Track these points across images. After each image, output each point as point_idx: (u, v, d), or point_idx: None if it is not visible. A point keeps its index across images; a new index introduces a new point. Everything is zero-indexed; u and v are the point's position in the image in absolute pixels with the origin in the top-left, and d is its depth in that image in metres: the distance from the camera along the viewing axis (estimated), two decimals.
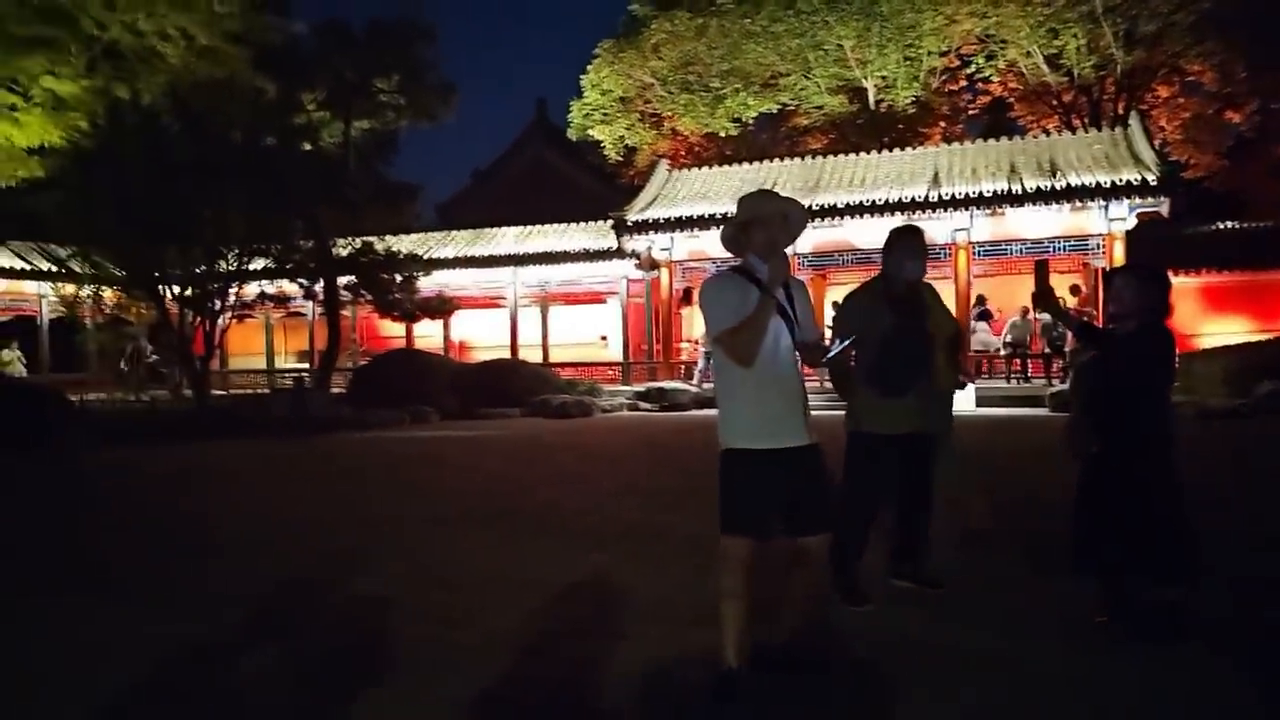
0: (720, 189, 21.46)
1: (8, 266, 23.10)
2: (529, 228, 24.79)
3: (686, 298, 21.88)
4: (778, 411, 3.02)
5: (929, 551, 4.36)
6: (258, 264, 18.12)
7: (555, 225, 24.55)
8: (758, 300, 2.95)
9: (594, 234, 23.29)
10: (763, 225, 3.07)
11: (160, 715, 3.13)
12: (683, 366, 21.35)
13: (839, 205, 19.12)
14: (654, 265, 21.80)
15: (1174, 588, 3.49)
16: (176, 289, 17.42)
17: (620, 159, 31.17)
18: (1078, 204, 17.69)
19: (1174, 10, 21.48)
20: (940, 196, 18.57)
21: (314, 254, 18.45)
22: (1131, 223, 17.91)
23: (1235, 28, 18.20)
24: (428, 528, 6.16)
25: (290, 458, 11.00)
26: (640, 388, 19.74)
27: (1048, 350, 17.61)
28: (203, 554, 5.57)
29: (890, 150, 22.37)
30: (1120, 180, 17.46)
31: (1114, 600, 3.60)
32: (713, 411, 3.19)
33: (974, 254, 18.98)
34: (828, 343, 3.34)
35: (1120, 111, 24.07)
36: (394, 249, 19.77)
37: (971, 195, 18.37)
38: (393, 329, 24.09)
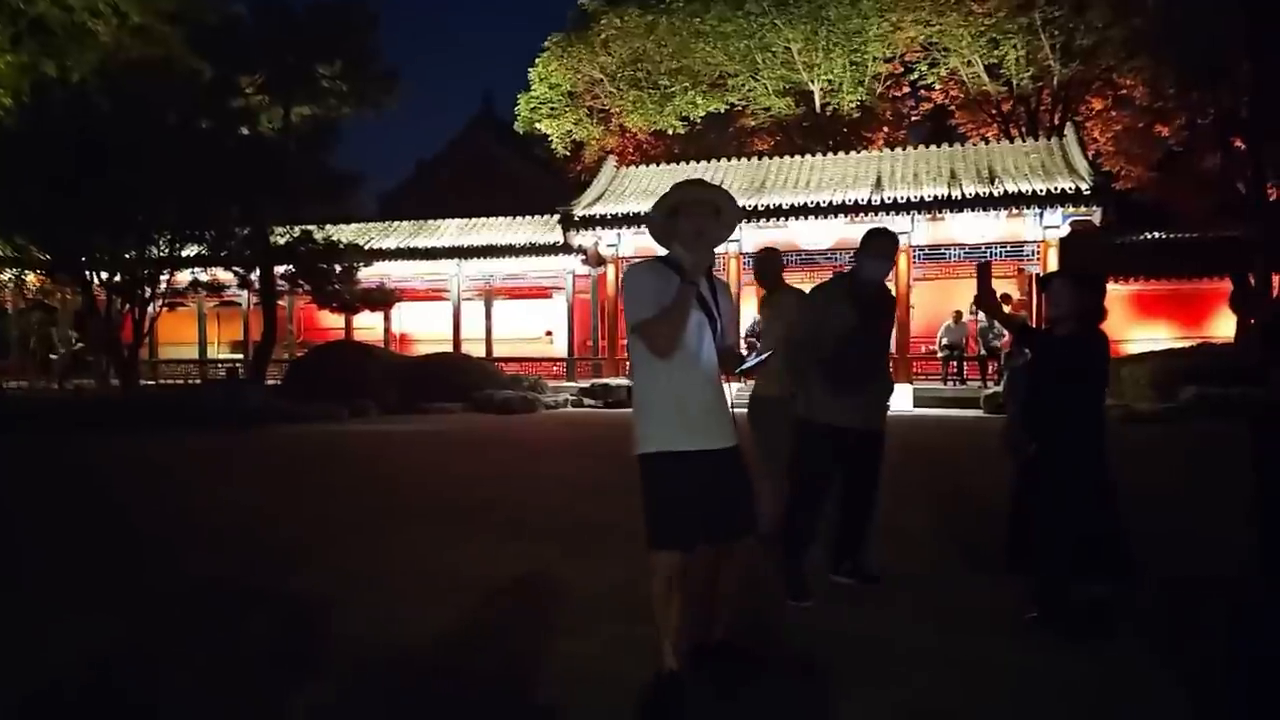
0: (667, 187, 21.33)
1: None
2: (473, 220, 24.51)
3: None
4: (699, 410, 2.89)
5: (869, 548, 4.40)
6: (191, 251, 17.60)
7: (500, 218, 24.32)
8: (679, 291, 2.81)
9: (540, 228, 23.12)
10: (689, 213, 2.95)
11: (81, 714, 3.01)
12: (627, 363, 21.32)
13: (784, 206, 19.30)
14: (600, 261, 21.74)
15: (1103, 585, 3.57)
16: (105, 274, 16.82)
17: (567, 154, 31.01)
18: (1014, 211, 18.13)
19: (1108, 25, 22.12)
20: (883, 200, 18.86)
21: (250, 242, 17.96)
22: (1065, 230, 18.44)
23: (1164, 45, 18.82)
24: (365, 523, 6.03)
25: (222, 450, 10.68)
26: (585, 384, 19.68)
27: (983, 353, 18.03)
28: (126, 549, 5.36)
29: (835, 153, 22.65)
30: (1055, 189, 17.95)
31: (1045, 597, 3.67)
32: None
33: (914, 257, 19.33)
34: (747, 351, 3.27)
35: (1056, 122, 24.76)
36: (334, 239, 19.35)
37: (913, 200, 18.70)
38: (332, 320, 23.59)
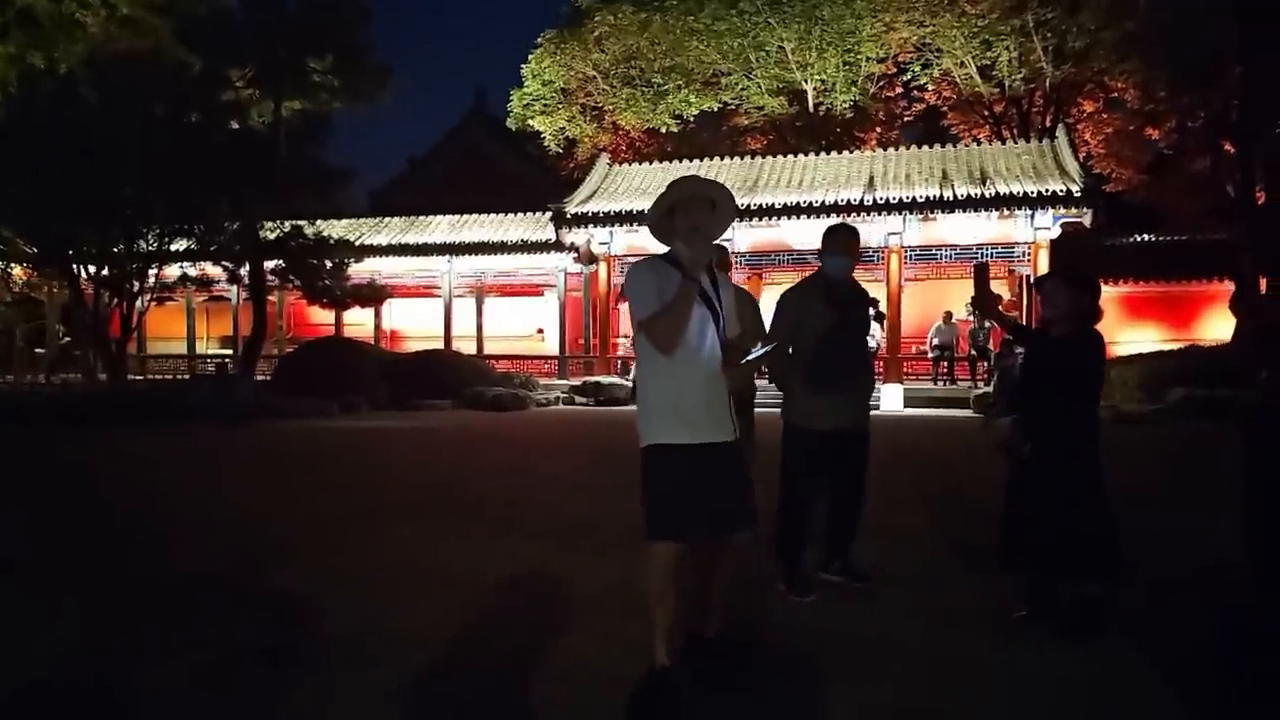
0: (660, 185, 21.23)
1: None
2: (465, 216, 24.43)
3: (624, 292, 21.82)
4: (700, 404, 2.92)
5: (856, 546, 4.40)
6: (180, 245, 17.47)
7: (492, 215, 24.25)
8: (680, 288, 2.87)
9: (532, 225, 23.06)
10: (686, 210, 2.99)
11: (69, 711, 2.97)
12: (619, 361, 21.29)
13: (776, 205, 19.31)
14: (592, 259, 21.70)
15: (1094, 584, 3.58)
16: (92, 268, 16.68)
17: (560, 151, 30.96)
18: (1005, 212, 18.19)
19: (1100, 28, 22.21)
20: (875, 200, 18.90)
21: (240, 236, 17.84)
22: (1056, 232, 18.50)
23: (1156, 48, 18.90)
24: (356, 519, 5.99)
25: (211, 446, 10.61)
26: (576, 382, 19.65)
27: (973, 353, 18.08)
28: (113, 545, 5.32)
29: (828, 153, 22.67)
30: (1046, 190, 18.01)
31: (1037, 596, 3.68)
32: None
33: (906, 257, 19.36)
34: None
35: (1048, 124, 24.84)
36: (325, 234, 19.24)
37: (905, 200, 18.74)
38: (322, 316, 23.46)
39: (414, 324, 24.60)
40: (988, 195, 18.26)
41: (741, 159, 23.05)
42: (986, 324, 16.43)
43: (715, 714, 2.92)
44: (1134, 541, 4.42)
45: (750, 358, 3.10)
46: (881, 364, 18.57)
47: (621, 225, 20.51)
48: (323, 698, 3.00)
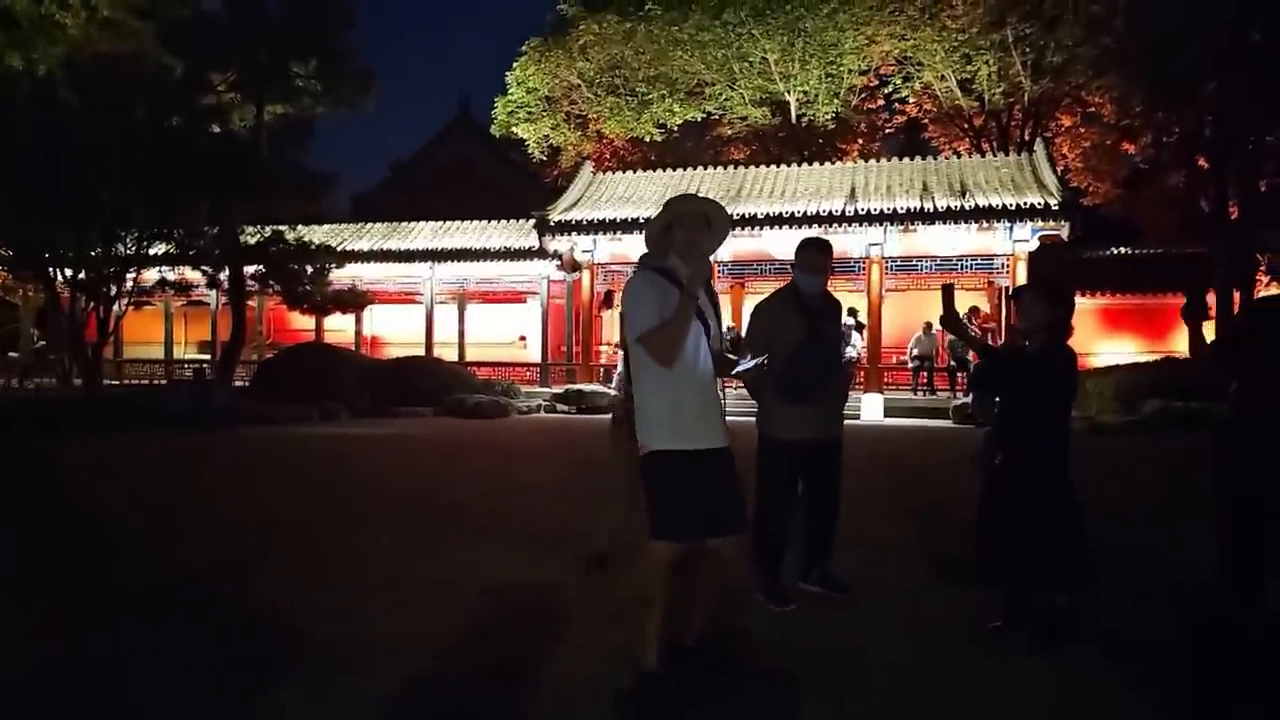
0: (644, 193, 21.52)
1: None
2: (448, 223, 24.37)
3: (607, 301, 21.83)
4: (696, 413, 3.03)
5: (832, 556, 4.41)
6: (159, 249, 17.32)
7: (475, 222, 24.20)
8: (678, 301, 2.95)
9: (515, 232, 23.03)
10: (684, 226, 3.08)
11: (42, 716, 2.95)
12: (602, 370, 21.28)
13: (759, 215, 19.39)
14: (575, 267, 21.69)
15: (1065, 595, 3.62)
16: (69, 272, 16.50)
17: (544, 158, 30.93)
18: (985, 224, 18.36)
19: (1078, 44, 22.49)
20: (856, 211, 19.02)
21: (220, 240, 17.71)
22: (1034, 244, 18.69)
23: (1132, 64, 19.18)
24: (336, 528, 5.95)
25: (188, 453, 10.51)
26: (558, 389, 19.61)
27: (952, 364, 18.22)
28: (87, 552, 5.25)
29: (810, 164, 22.80)
30: (1025, 203, 18.20)
31: (1011, 607, 3.71)
32: None
33: (886, 268, 19.50)
34: (737, 354, 3.36)
35: (1026, 137, 25.11)
36: (306, 239, 19.14)
37: (886, 211, 18.88)
38: (302, 322, 23.33)
39: (395, 330, 24.49)
40: (967, 207, 18.43)
41: (725, 169, 23.15)
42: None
43: None
44: (1108, 552, 4.47)
45: (741, 369, 3.23)
46: (862, 373, 18.71)
47: (605, 233, 20.53)
48: (301, 707, 2.98)
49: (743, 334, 5.36)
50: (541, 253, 21.69)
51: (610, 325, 22.60)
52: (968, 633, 3.70)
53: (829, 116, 28.01)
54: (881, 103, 29.39)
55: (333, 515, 6.40)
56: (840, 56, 27.03)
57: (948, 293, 4.01)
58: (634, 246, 18.85)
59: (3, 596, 4.30)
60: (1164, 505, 6.98)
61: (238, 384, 18.54)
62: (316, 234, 21.15)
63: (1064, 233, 18.79)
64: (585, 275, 21.45)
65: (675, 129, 29.21)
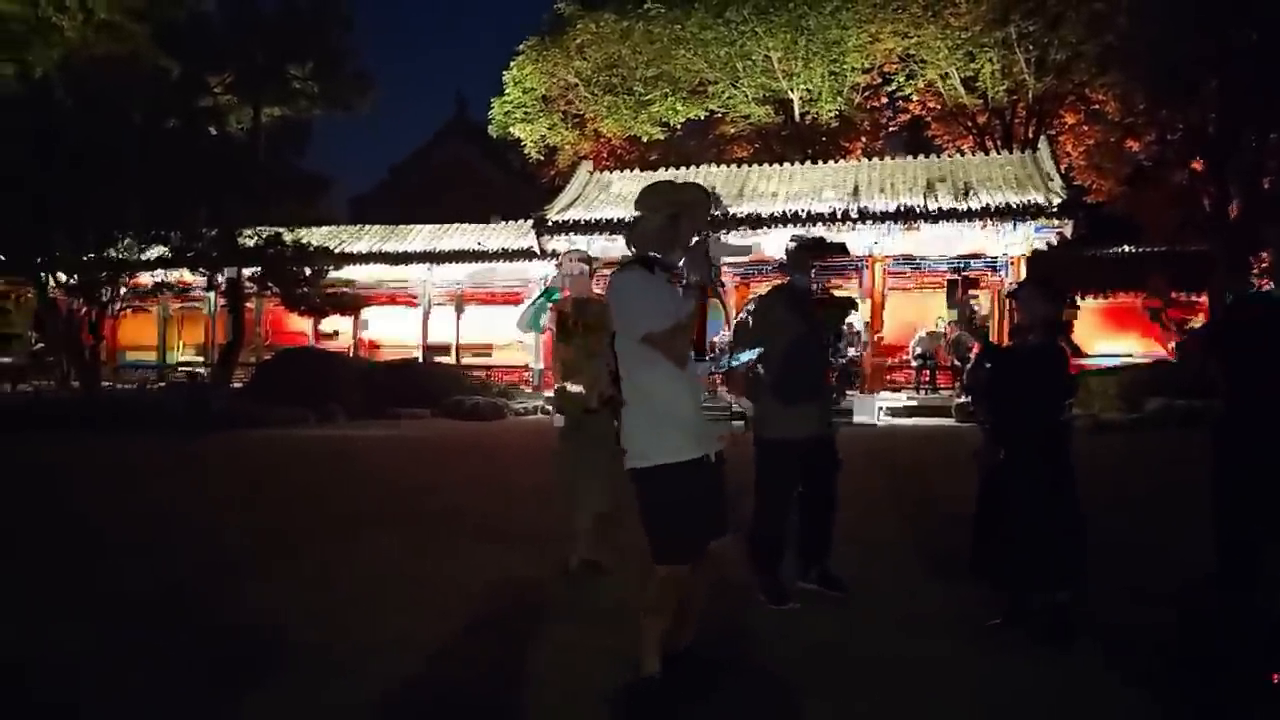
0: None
1: None
2: (445, 225, 24.30)
3: None
4: (699, 416, 2.95)
5: (831, 553, 4.38)
6: (155, 251, 17.28)
7: (472, 224, 24.13)
8: (689, 296, 2.81)
9: (512, 233, 22.95)
10: (690, 216, 2.93)
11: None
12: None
13: (762, 214, 19.29)
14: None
15: (1064, 592, 3.59)
16: (63, 275, 16.46)
17: (541, 158, 30.89)
18: (988, 223, 18.22)
19: (1081, 41, 22.39)
20: (859, 210, 18.91)
21: (218, 243, 17.66)
22: (1038, 243, 18.55)
23: (1135, 62, 19.07)
24: (331, 530, 5.92)
25: (185, 455, 10.45)
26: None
27: (955, 362, 18.07)
28: (85, 554, 5.23)
29: (813, 162, 22.71)
30: (1028, 202, 18.08)
31: (1010, 604, 3.69)
32: None
33: (889, 266, 19.38)
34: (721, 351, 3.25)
35: (1030, 135, 24.98)
36: (304, 241, 19.08)
37: (889, 210, 18.76)
38: (300, 324, 23.27)
39: (392, 332, 24.41)
40: (971, 206, 18.31)
41: (728, 167, 23.06)
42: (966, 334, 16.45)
43: None
44: (1109, 549, 4.41)
45: (738, 362, 3.20)
46: (864, 372, 18.58)
47: (603, 233, 20.40)
48: (294, 708, 2.94)
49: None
50: (539, 253, 21.61)
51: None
52: (967, 630, 3.67)
53: (832, 115, 27.93)
54: (885, 101, 29.30)
55: (329, 518, 6.35)
56: (843, 54, 26.94)
57: (954, 288, 3.99)
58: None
59: None
60: (1165, 502, 6.87)
61: (235, 386, 18.48)
62: (314, 236, 21.11)
63: (1068, 231, 18.64)
64: None
65: (678, 127, 29.13)
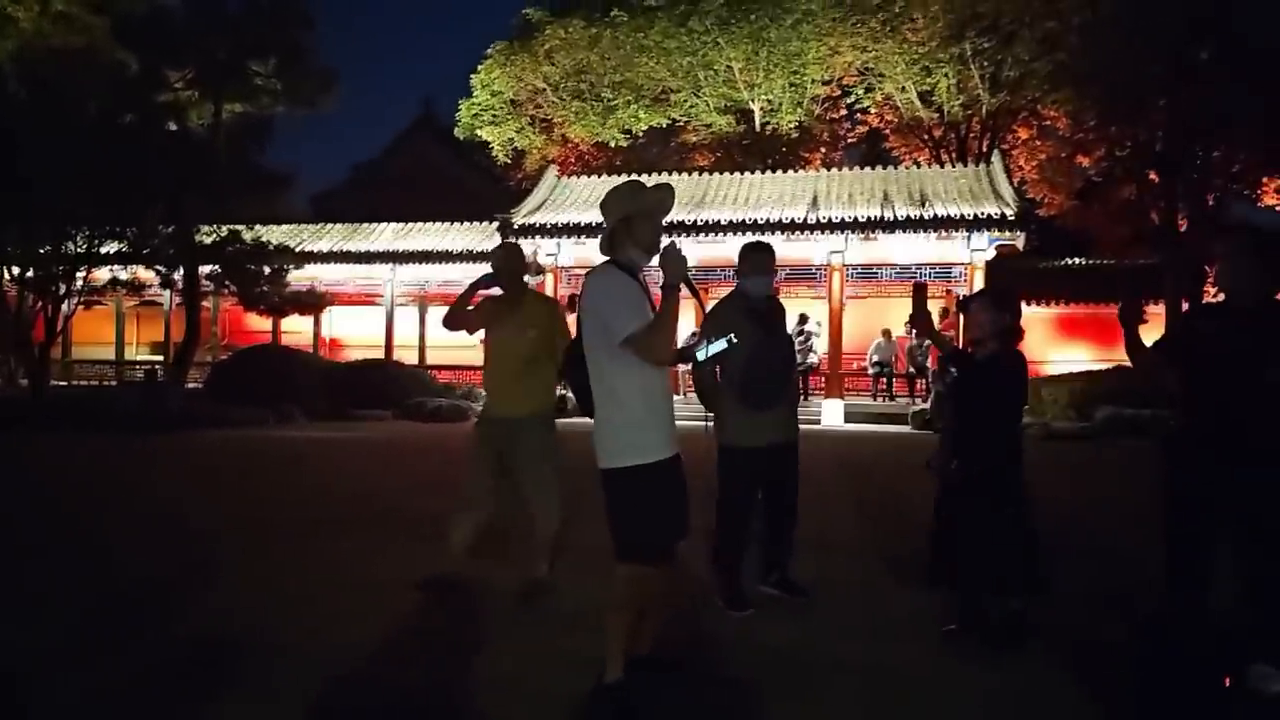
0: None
1: None
2: (409, 225, 24.12)
3: (572, 304, 21.66)
4: (668, 418, 2.97)
5: (792, 558, 4.44)
6: (111, 247, 16.92)
7: (437, 224, 23.99)
8: (667, 297, 2.81)
9: (478, 235, 22.87)
10: (647, 217, 2.96)
11: None
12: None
13: (723, 222, 19.49)
14: (540, 270, 21.60)
15: (1016, 598, 3.67)
16: (15, 269, 16.06)
17: (508, 162, 30.81)
18: (943, 233, 18.63)
19: (1034, 58, 22.96)
20: (818, 219, 19.20)
21: (175, 240, 17.35)
22: (991, 254, 19.02)
23: (1086, 80, 19.62)
24: (288, 533, 5.85)
25: (139, 455, 10.27)
26: None
27: (911, 370, 18.44)
28: (27, 557, 5.11)
29: (773, 171, 22.98)
30: (982, 213, 18.51)
31: (965, 610, 3.75)
32: (590, 420, 2.99)
33: (847, 276, 19.70)
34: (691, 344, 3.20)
35: (984, 149, 25.53)
36: (264, 239, 18.81)
37: (847, 220, 19.06)
38: (259, 323, 22.92)
39: (355, 332, 24.16)
40: (926, 217, 18.69)
41: (689, 175, 23.23)
42: (925, 342, 16.78)
43: None
44: (1061, 556, 4.54)
45: (706, 354, 3.04)
46: (823, 379, 18.88)
47: (569, 237, 20.47)
48: (247, 712, 2.92)
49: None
50: None
51: (574, 329, 22.47)
52: (923, 636, 3.73)
53: (792, 125, 28.26)
54: (844, 113, 29.73)
55: (285, 520, 6.29)
56: (804, 66, 27.30)
57: (920, 293, 4.02)
58: (598, 251, 18.77)
59: None
60: (1115, 510, 7.12)
61: (192, 386, 18.16)
62: (275, 234, 20.81)
63: (1020, 242, 19.14)
64: (549, 279, 21.38)
65: (640, 135, 29.26)
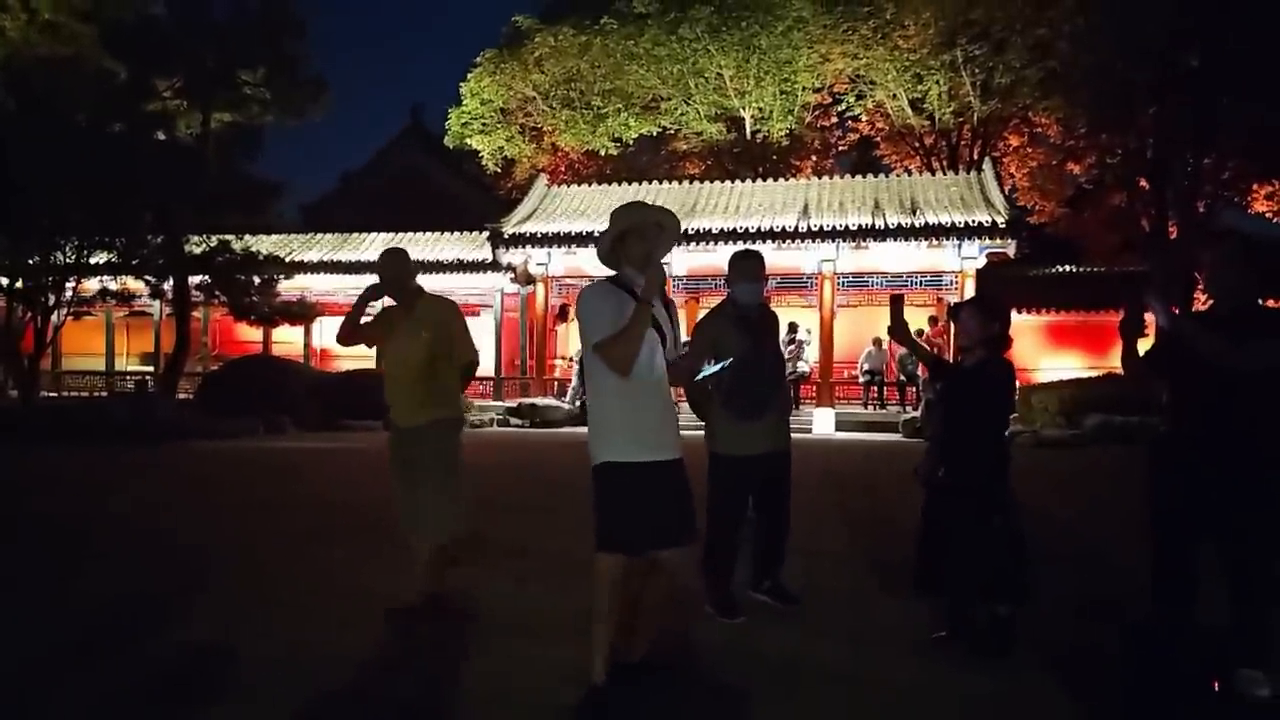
0: (599, 207, 21.52)
1: None
2: (399, 234, 24.10)
3: (562, 314, 21.76)
4: (653, 424, 3.04)
5: (783, 567, 4.42)
6: (100, 258, 16.87)
7: (427, 234, 23.97)
8: (634, 311, 2.95)
9: (468, 244, 22.85)
10: (639, 235, 3.09)
11: None
12: (556, 383, 21.18)
13: (714, 230, 19.52)
14: (530, 280, 21.59)
15: (1005, 605, 3.67)
16: (4, 280, 15.99)
17: (498, 170, 30.79)
18: (934, 241, 18.69)
19: (1025, 66, 23.09)
20: (809, 227, 19.24)
21: (164, 250, 17.29)
22: (982, 261, 19.08)
23: (1077, 87, 19.73)
24: (278, 543, 5.83)
25: (129, 466, 10.21)
26: (512, 404, 19.46)
27: (902, 378, 18.48)
28: (25, 567, 5.09)
29: (764, 179, 23.04)
30: (973, 221, 18.58)
31: (953, 617, 3.76)
32: (585, 429, 3.14)
33: (838, 284, 19.74)
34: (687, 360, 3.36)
35: (975, 157, 25.65)
36: (253, 249, 18.76)
37: (838, 228, 19.12)
38: (250, 333, 22.85)
39: None
40: (917, 225, 18.76)
41: (680, 183, 23.28)
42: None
43: None
44: (1049, 563, 4.53)
45: (705, 375, 3.27)
46: (814, 388, 18.89)
47: (559, 246, 20.48)
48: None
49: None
50: (495, 265, 21.54)
51: (564, 339, 22.51)
52: (912, 643, 3.74)
53: (783, 133, 28.34)
54: (835, 120, 29.82)
55: (276, 531, 6.26)
56: (795, 74, 27.38)
57: (897, 304, 4.04)
58: (588, 260, 18.79)
59: None
60: (1104, 517, 7.12)
61: (182, 396, 18.08)
62: (264, 244, 20.75)
63: (1011, 250, 19.21)
64: (539, 288, 21.36)
65: (630, 143, 29.31)
